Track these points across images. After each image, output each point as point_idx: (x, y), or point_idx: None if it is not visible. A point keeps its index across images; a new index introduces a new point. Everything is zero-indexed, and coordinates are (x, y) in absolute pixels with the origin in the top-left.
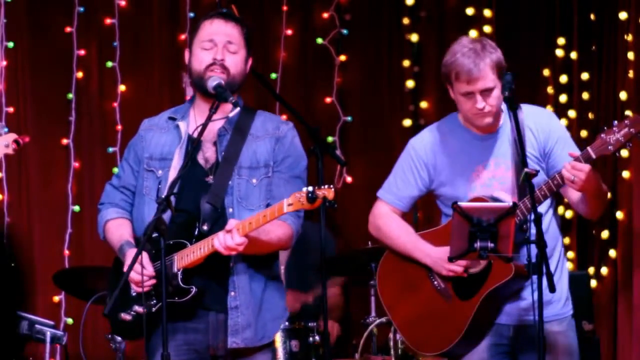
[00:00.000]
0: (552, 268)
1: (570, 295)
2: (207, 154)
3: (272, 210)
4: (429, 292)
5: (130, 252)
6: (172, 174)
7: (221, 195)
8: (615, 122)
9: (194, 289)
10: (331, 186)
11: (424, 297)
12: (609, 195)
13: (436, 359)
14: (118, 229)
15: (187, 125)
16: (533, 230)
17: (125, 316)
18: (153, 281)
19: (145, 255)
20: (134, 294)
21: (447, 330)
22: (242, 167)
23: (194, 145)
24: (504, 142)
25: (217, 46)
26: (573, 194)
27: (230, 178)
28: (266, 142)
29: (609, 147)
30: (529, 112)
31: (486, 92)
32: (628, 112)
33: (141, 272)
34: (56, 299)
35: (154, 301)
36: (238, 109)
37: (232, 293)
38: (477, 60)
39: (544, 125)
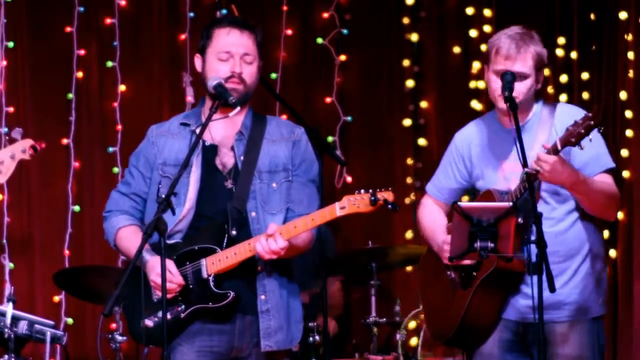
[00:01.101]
0: (571, 270)
1: (591, 300)
2: (225, 159)
3: (322, 213)
4: (445, 282)
5: (153, 260)
6: (193, 179)
7: (244, 199)
8: (586, 114)
9: (231, 294)
10: (390, 189)
11: (442, 287)
12: (612, 192)
13: (438, 359)
14: (133, 237)
15: (201, 130)
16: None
17: (149, 322)
18: (178, 288)
19: (171, 262)
20: (155, 300)
21: (450, 319)
22: (262, 172)
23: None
24: (530, 136)
25: (234, 58)
26: None
27: (252, 183)
28: (283, 146)
29: (572, 139)
30: (560, 111)
31: (520, 77)
32: (628, 112)
33: (163, 278)
34: (56, 299)
35: (182, 307)
36: (238, 108)
37: (263, 297)
38: (521, 43)
39: (567, 125)
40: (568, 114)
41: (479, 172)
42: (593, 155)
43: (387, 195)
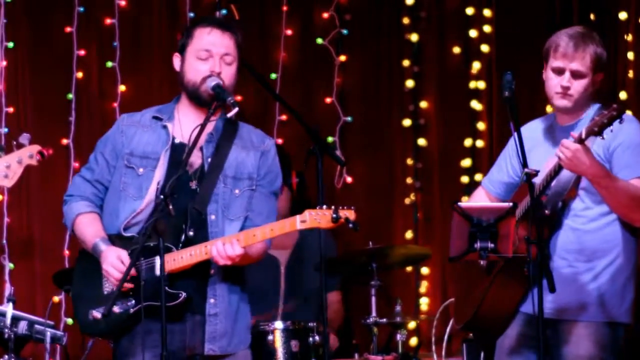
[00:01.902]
0: (595, 271)
1: (612, 304)
2: (192, 159)
3: (281, 225)
4: (477, 268)
5: (108, 250)
6: (158, 174)
7: (206, 201)
8: (613, 105)
9: (182, 295)
10: (352, 207)
11: (472, 272)
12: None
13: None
14: (91, 224)
15: (173, 126)
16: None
17: (96, 314)
18: (131, 285)
19: (124, 253)
20: (106, 292)
21: (471, 303)
22: (227, 176)
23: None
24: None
25: (214, 57)
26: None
27: (216, 186)
28: (251, 155)
29: (595, 129)
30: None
31: (576, 75)
32: (629, 112)
33: (124, 270)
34: (56, 299)
35: (132, 302)
36: (237, 109)
37: (212, 300)
38: (580, 42)
39: (614, 127)
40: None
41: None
42: (630, 161)
43: (349, 213)
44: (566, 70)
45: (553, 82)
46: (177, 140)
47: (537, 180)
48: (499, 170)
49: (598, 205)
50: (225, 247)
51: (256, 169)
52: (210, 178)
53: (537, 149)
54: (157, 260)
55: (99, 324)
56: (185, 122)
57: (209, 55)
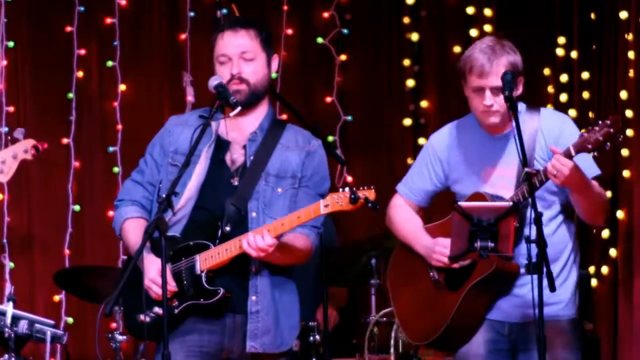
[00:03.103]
0: (557, 270)
1: (575, 299)
2: (235, 156)
3: (307, 211)
4: (426, 284)
5: (148, 262)
6: (199, 171)
7: (246, 198)
8: (600, 121)
9: (221, 291)
10: (372, 187)
11: (422, 288)
12: (605, 197)
13: (438, 358)
14: (135, 230)
15: (218, 125)
16: (534, 230)
17: (143, 317)
18: (174, 289)
19: (156, 264)
20: (153, 296)
21: (436, 320)
22: (269, 174)
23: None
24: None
25: (232, 59)
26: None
27: (257, 183)
28: (296, 154)
29: (588, 146)
30: (544, 116)
31: (496, 91)
32: (628, 112)
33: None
34: (56, 298)
35: (176, 303)
36: (239, 108)
37: (254, 297)
38: (492, 57)
39: (554, 129)
40: (553, 118)
41: (457, 176)
42: (587, 163)
43: (368, 193)
44: (485, 88)
45: (475, 102)
46: (221, 138)
47: (507, 195)
48: (421, 178)
49: (547, 209)
50: (256, 238)
51: (300, 168)
52: (252, 175)
53: (465, 157)
54: (197, 258)
55: (148, 327)
56: (230, 121)
57: (227, 59)
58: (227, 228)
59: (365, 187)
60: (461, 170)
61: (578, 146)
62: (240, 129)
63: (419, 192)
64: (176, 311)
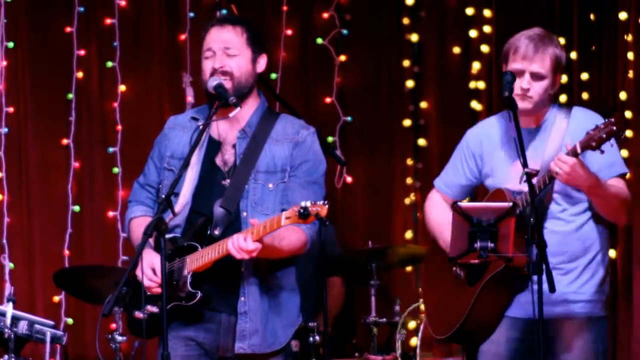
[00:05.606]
0: (581, 267)
1: (601, 297)
2: (226, 157)
3: (270, 222)
4: (451, 279)
5: (147, 251)
6: (190, 174)
7: (236, 198)
8: (606, 119)
9: (199, 294)
10: (325, 203)
11: (447, 284)
12: (625, 196)
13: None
14: (141, 228)
15: (209, 126)
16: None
17: (139, 314)
18: (156, 286)
19: (157, 260)
20: (148, 293)
21: (455, 314)
22: (258, 172)
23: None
24: (544, 138)
25: (216, 54)
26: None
27: (247, 182)
28: (284, 147)
29: (592, 143)
30: (575, 115)
31: (536, 77)
32: (628, 112)
33: (141, 275)
34: (56, 299)
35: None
36: (238, 109)
37: (242, 298)
38: (539, 44)
39: (581, 130)
40: (583, 118)
41: (489, 170)
42: (609, 160)
43: (320, 209)
44: (526, 72)
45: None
46: (212, 139)
47: (514, 188)
48: (456, 173)
49: (573, 206)
50: (239, 239)
51: (289, 160)
52: (241, 175)
53: (498, 151)
54: (187, 259)
55: (140, 324)
56: (221, 121)
57: (212, 54)
58: (216, 232)
59: (321, 202)
60: (493, 164)
61: (583, 143)
62: (230, 128)
63: (454, 187)
64: (160, 311)
